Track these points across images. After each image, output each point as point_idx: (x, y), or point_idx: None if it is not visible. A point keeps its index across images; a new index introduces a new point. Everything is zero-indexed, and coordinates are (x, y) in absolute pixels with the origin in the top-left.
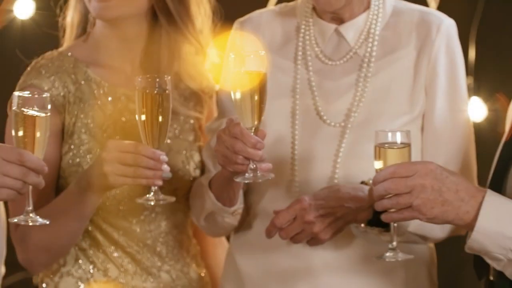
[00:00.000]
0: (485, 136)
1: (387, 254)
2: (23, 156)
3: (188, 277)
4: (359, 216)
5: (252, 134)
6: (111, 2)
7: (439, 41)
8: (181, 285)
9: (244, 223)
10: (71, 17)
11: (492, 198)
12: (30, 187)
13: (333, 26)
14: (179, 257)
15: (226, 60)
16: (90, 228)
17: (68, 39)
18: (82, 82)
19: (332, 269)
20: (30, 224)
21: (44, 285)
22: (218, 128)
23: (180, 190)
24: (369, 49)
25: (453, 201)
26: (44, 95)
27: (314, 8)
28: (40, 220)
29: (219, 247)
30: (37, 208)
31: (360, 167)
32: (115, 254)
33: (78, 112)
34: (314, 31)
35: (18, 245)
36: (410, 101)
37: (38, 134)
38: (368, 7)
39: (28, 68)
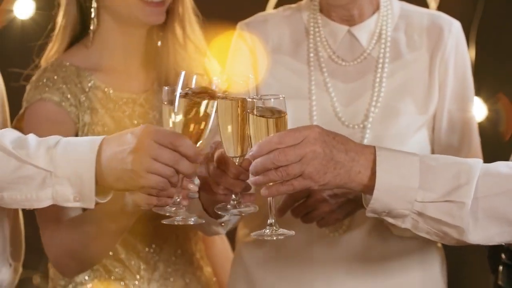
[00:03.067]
0: (485, 136)
1: (266, 231)
2: (178, 140)
3: (200, 279)
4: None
5: (237, 163)
6: (163, 7)
7: (451, 42)
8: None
9: (255, 225)
10: (65, 22)
11: (384, 153)
12: (181, 177)
13: (345, 27)
14: (193, 258)
15: (230, 61)
16: None
17: (59, 44)
18: (88, 90)
19: (347, 271)
20: (179, 223)
21: None
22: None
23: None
24: (382, 51)
25: (345, 163)
26: (217, 79)
27: (321, 10)
28: (190, 217)
29: (218, 242)
30: (52, 219)
31: None
32: (131, 262)
33: (88, 121)
34: (325, 32)
35: (48, 249)
36: (425, 103)
37: (202, 125)
38: (377, 8)
39: (32, 83)
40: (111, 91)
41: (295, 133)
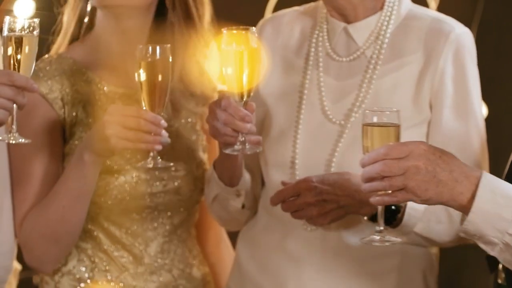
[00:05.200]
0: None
1: (375, 237)
2: (13, 76)
3: (190, 277)
4: (363, 209)
5: (242, 107)
6: None
7: (446, 50)
8: (183, 285)
9: (250, 220)
10: (68, 17)
11: (488, 180)
12: (15, 106)
13: (342, 24)
14: (182, 256)
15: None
16: (91, 228)
17: (61, 40)
18: (82, 84)
19: (322, 272)
20: (13, 141)
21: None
22: None
23: (184, 189)
24: (377, 51)
25: (448, 182)
26: (35, 20)
27: None
28: (21, 138)
29: (222, 246)
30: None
31: (355, 167)
32: (116, 254)
33: (78, 113)
34: (327, 28)
35: (25, 244)
36: (413, 107)
37: (26, 53)
38: (381, 8)
39: None
40: (105, 86)
41: (402, 147)
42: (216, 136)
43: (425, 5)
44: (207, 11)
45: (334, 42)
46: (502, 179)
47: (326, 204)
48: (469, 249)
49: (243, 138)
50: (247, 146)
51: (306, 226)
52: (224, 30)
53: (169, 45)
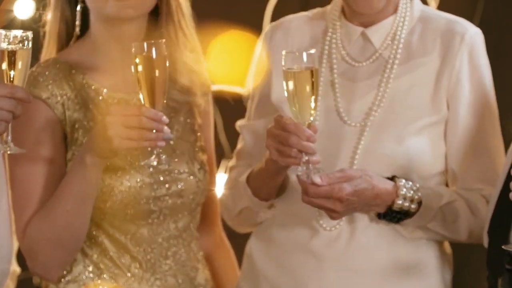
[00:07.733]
0: None
1: None
2: (13, 88)
3: (195, 281)
4: (373, 209)
5: (306, 128)
6: (131, 1)
7: (462, 50)
8: None
9: (266, 221)
10: (55, 24)
11: None
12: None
13: (360, 28)
14: (187, 260)
15: (258, 61)
16: (96, 234)
17: (51, 46)
18: (81, 89)
19: (343, 270)
20: (8, 152)
21: None
22: (253, 126)
23: (186, 191)
24: (393, 52)
25: None
26: (28, 33)
27: (343, 11)
28: (15, 148)
29: (223, 249)
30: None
31: (377, 166)
32: (122, 260)
33: (79, 118)
34: (341, 34)
35: (29, 251)
36: (430, 107)
37: (19, 66)
38: (395, 10)
39: None
40: (104, 91)
41: None
42: (279, 159)
43: (425, 4)
44: (185, 8)
45: (350, 47)
46: (503, 178)
47: (349, 204)
48: (471, 249)
49: (307, 158)
50: (311, 166)
51: (329, 228)
52: (284, 52)
53: (164, 40)
